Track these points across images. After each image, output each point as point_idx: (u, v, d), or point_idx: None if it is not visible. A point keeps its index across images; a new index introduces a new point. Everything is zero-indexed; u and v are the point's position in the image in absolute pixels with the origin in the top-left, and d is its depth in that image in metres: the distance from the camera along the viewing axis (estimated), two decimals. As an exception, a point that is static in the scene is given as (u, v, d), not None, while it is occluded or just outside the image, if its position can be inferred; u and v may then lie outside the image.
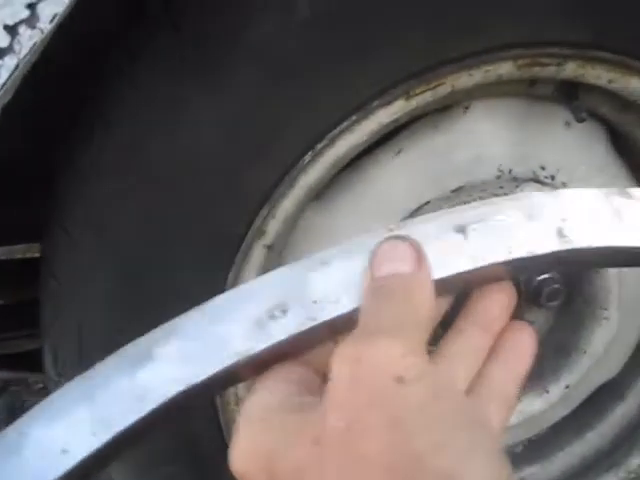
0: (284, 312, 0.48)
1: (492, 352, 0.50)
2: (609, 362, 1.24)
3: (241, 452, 0.44)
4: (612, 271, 1.13)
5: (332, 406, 0.41)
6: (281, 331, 0.48)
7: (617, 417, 1.28)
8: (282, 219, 0.95)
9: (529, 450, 1.30)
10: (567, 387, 1.20)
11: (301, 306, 0.48)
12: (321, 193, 1.04)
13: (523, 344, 0.50)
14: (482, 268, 0.49)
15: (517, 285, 1.13)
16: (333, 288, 0.48)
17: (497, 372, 0.49)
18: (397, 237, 0.47)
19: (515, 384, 0.50)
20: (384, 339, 0.42)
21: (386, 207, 1.04)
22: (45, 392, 1.90)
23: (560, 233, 0.50)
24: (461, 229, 0.50)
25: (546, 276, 1.13)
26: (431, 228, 0.50)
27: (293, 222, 1.01)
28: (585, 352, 1.18)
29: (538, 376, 1.21)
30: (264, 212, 0.92)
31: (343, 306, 0.48)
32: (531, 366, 0.50)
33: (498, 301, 0.51)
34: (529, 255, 0.49)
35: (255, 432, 0.44)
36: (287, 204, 0.93)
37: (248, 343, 0.48)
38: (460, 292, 0.52)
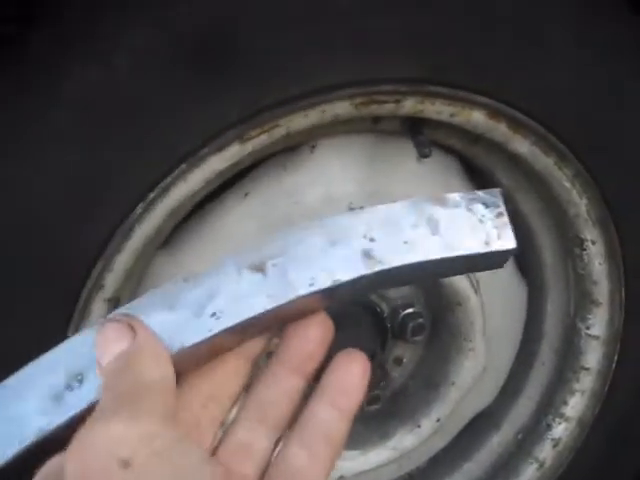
0: (80, 382, 0.47)
1: (318, 389, 0.48)
2: (481, 392, 1.24)
3: None
4: (474, 303, 1.12)
5: None
6: (79, 401, 0.46)
7: (494, 446, 1.28)
8: (121, 271, 0.91)
9: (409, 485, 1.28)
10: (438, 420, 1.19)
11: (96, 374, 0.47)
12: (168, 241, 1.01)
13: (350, 377, 0.48)
14: (283, 306, 0.47)
15: (382, 320, 1.14)
16: None
17: (323, 412, 0.47)
18: (106, 320, 0.46)
19: (344, 421, 0.48)
20: (107, 419, 0.41)
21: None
22: None
23: (367, 254, 0.47)
24: (259, 267, 0.47)
25: (410, 311, 1.13)
26: (228, 270, 0.47)
27: (137, 273, 0.97)
28: (454, 384, 1.17)
29: (410, 411, 1.19)
30: (100, 265, 0.89)
31: None
32: (363, 396, 0.48)
33: (310, 338, 0.49)
34: (334, 284, 0.47)
35: None
36: (124, 256, 0.90)
37: (46, 418, 0.46)
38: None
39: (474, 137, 1.04)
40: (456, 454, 1.28)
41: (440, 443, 1.27)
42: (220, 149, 0.87)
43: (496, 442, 1.28)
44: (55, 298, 0.89)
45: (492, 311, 1.17)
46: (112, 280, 0.91)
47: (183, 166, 0.86)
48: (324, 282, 0.47)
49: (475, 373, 1.17)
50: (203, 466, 0.43)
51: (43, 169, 0.83)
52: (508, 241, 0.48)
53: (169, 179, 0.87)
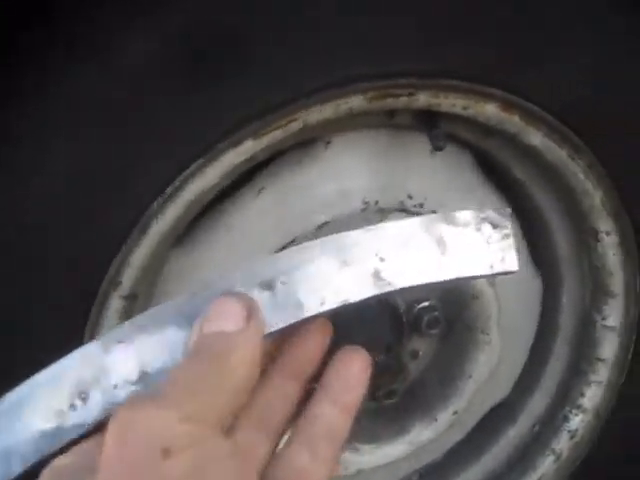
0: (84, 400, 0.46)
1: (319, 387, 0.49)
2: (497, 385, 1.24)
3: None
4: (490, 296, 1.12)
5: (101, 473, 0.39)
6: (83, 421, 0.46)
7: (510, 438, 1.27)
8: (138, 268, 0.91)
9: (426, 478, 1.28)
10: (455, 413, 1.19)
11: (101, 392, 0.46)
12: (184, 238, 1.01)
13: (351, 373, 0.48)
14: (291, 325, 0.47)
15: (398, 314, 1.14)
16: (132, 368, 0.46)
17: (324, 410, 0.48)
18: (228, 294, 0.46)
19: (346, 417, 0.48)
20: (164, 405, 0.40)
21: (251, 248, 1.01)
22: None
23: (377, 276, 0.48)
24: (268, 284, 0.47)
25: (426, 304, 1.13)
26: (235, 286, 0.47)
27: (154, 270, 0.98)
28: (470, 377, 1.17)
29: (426, 404, 1.20)
30: (116, 262, 0.89)
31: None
32: (365, 390, 0.49)
33: (308, 344, 0.50)
34: (343, 304, 0.47)
35: None
36: (141, 253, 0.90)
37: (45, 441, 0.46)
38: None
39: (487, 130, 1.04)
40: (473, 447, 1.28)
41: (457, 436, 1.27)
42: (236, 144, 0.88)
43: (512, 434, 1.28)
44: (72, 295, 0.90)
45: (507, 304, 1.17)
46: (129, 277, 0.91)
47: (200, 160, 0.86)
48: (333, 302, 0.47)
49: (491, 366, 1.17)
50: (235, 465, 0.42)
51: (59, 167, 0.83)
52: (511, 265, 0.50)
53: (186, 174, 0.87)
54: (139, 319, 0.48)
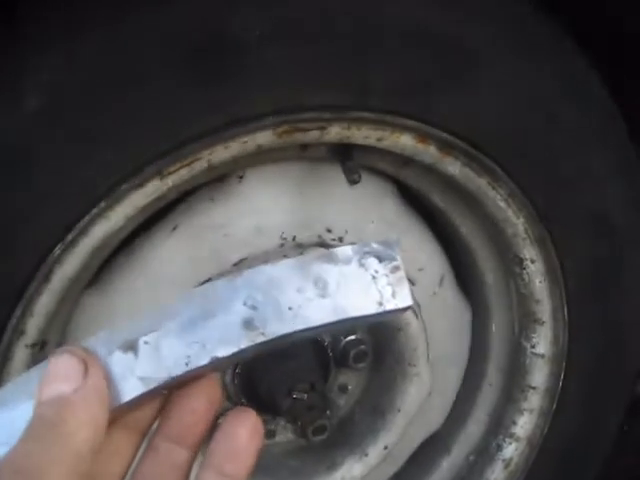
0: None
1: (207, 455, 0.45)
2: (429, 417, 1.22)
3: None
4: (416, 328, 1.10)
5: None
6: None
7: (444, 471, 1.25)
8: (42, 315, 0.88)
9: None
10: (386, 447, 1.16)
11: None
12: (97, 279, 0.98)
13: (239, 441, 0.45)
14: (156, 387, 0.44)
15: (324, 349, 1.11)
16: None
17: (212, 478, 0.44)
18: (63, 350, 0.43)
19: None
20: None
21: (166, 287, 0.98)
22: None
23: (248, 324, 0.44)
24: (131, 345, 0.44)
25: (352, 337, 1.11)
26: (99, 351, 0.44)
27: (64, 314, 0.94)
28: (400, 410, 1.15)
29: (357, 439, 1.17)
30: (19, 310, 0.86)
31: None
32: (253, 460, 0.45)
33: (193, 408, 0.46)
34: (211, 362, 0.44)
35: None
36: (45, 299, 0.87)
37: None
38: None
39: (404, 160, 1.03)
40: (407, 480, 1.26)
41: (390, 470, 1.24)
42: (140, 185, 0.85)
43: (447, 466, 1.26)
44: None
45: (435, 334, 1.15)
46: (34, 325, 0.88)
47: (102, 204, 0.83)
48: (201, 360, 0.44)
49: (421, 398, 1.15)
50: None
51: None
52: (403, 299, 0.45)
53: (87, 219, 0.84)
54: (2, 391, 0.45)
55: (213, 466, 0.44)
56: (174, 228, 0.98)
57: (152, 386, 0.44)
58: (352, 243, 0.98)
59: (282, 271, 0.45)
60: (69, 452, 0.40)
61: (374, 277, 0.45)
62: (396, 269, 0.45)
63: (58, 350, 0.43)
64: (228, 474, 0.44)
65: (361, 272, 0.45)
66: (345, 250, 0.46)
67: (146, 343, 0.44)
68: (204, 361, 0.44)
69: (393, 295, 0.45)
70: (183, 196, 0.98)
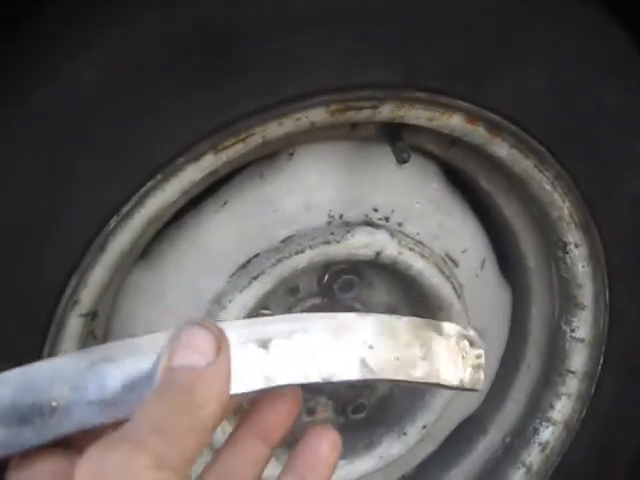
0: (54, 411, 0.44)
1: (289, 462, 0.48)
2: (467, 397, 1.23)
3: None
4: (457, 309, 1.11)
5: None
6: (48, 432, 0.44)
7: (480, 452, 1.26)
8: (96, 286, 0.89)
9: (396, 493, 1.27)
10: (424, 427, 1.17)
11: (76, 406, 0.45)
12: (148, 251, 0.99)
13: (320, 455, 0.48)
14: (272, 388, 0.47)
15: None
16: (115, 389, 0.45)
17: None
18: (199, 323, 0.44)
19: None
20: (133, 447, 0.38)
21: (214, 262, 1.00)
22: None
23: (363, 362, 0.48)
24: (264, 343, 0.47)
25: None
26: (232, 337, 0.46)
27: (114, 286, 0.96)
28: (439, 390, 1.16)
29: (395, 418, 1.18)
30: (73, 282, 0.87)
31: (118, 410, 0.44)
32: (331, 472, 0.48)
33: (280, 410, 0.49)
34: (323, 382, 0.48)
35: None
36: (99, 271, 0.88)
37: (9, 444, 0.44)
38: None
39: (452, 141, 1.03)
40: (443, 460, 1.27)
41: (428, 449, 1.25)
42: (196, 159, 0.86)
43: (483, 447, 1.27)
44: (30, 314, 0.88)
45: (476, 315, 1.16)
46: (87, 295, 0.89)
47: (158, 176, 0.85)
48: (316, 377, 0.47)
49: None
50: None
51: (14, 182, 0.82)
52: (477, 384, 0.52)
53: (143, 191, 0.85)
54: (121, 343, 0.47)
55: (295, 472, 0.47)
56: (224, 203, 0.99)
57: (271, 385, 0.46)
58: (399, 223, 0.99)
59: (400, 324, 0.50)
60: (198, 422, 0.41)
61: (463, 357, 0.52)
62: (479, 357, 0.53)
63: (189, 322, 0.45)
64: None
65: (456, 350, 0.52)
66: (450, 327, 0.52)
67: (278, 346, 0.47)
68: (318, 380, 0.47)
69: (471, 377, 0.52)
70: (234, 172, 0.99)
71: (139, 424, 0.40)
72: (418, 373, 0.49)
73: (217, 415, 0.42)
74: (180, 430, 0.40)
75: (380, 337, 0.49)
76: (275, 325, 0.48)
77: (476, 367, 0.52)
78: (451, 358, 0.51)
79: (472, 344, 0.52)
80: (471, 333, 0.53)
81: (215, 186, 0.99)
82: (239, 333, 0.46)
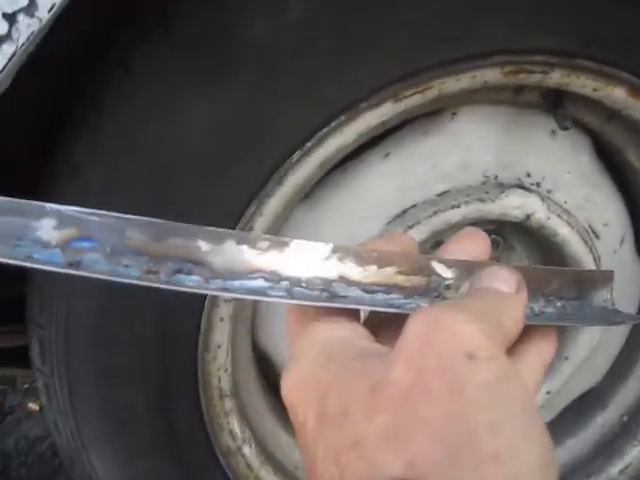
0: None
1: (524, 332, 0.50)
2: (591, 370, 1.26)
3: (296, 382, 0.45)
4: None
5: (400, 360, 0.41)
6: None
7: (597, 425, 1.29)
8: (270, 217, 0.96)
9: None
10: (548, 393, 1.21)
11: None
12: (310, 192, 1.05)
13: (551, 332, 0.51)
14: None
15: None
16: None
17: (532, 355, 0.50)
18: (503, 266, 0.50)
19: (544, 370, 0.51)
20: (467, 316, 0.43)
21: (372, 209, 1.05)
22: (30, 392, 1.90)
23: None
24: None
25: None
26: None
27: (281, 220, 1.02)
28: (567, 358, 1.20)
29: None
30: (251, 209, 0.94)
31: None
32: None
33: (472, 248, 0.54)
34: None
35: (315, 365, 0.45)
36: (275, 202, 0.95)
37: None
38: None
39: (609, 114, 1.07)
40: (560, 430, 1.30)
41: (545, 417, 1.29)
42: (377, 105, 0.92)
43: (601, 422, 1.30)
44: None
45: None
46: (261, 224, 0.96)
47: (342, 117, 0.91)
48: None
49: (590, 348, 1.19)
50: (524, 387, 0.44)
51: (210, 113, 0.88)
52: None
53: (326, 130, 0.91)
54: None
55: (533, 341, 0.51)
56: (387, 155, 1.05)
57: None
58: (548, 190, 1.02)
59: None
60: (502, 324, 0.45)
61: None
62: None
63: (499, 264, 0.51)
64: (543, 353, 0.51)
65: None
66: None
67: None
68: None
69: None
70: (397, 127, 1.04)
71: (472, 305, 0.46)
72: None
73: (514, 333, 0.46)
74: (498, 317, 0.45)
75: None
76: None
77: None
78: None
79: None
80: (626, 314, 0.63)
81: (378, 139, 1.05)
82: None
